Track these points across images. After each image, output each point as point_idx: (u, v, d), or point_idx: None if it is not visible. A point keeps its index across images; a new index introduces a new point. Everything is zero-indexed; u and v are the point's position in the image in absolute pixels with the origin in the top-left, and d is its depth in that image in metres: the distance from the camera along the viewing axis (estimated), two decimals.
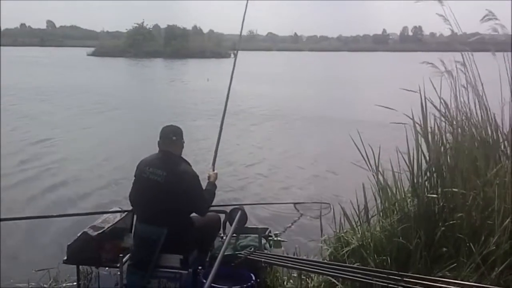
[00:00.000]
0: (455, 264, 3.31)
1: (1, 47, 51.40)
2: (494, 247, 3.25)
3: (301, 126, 12.95)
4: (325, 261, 3.75)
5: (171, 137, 3.97)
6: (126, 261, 3.97)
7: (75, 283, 4.23)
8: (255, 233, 4.48)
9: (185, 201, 3.86)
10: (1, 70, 23.66)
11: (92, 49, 52.28)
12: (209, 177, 4.33)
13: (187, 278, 3.82)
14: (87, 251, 4.07)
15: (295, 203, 6.39)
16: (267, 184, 7.74)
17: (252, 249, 4.00)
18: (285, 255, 3.91)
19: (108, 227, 4.21)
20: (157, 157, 3.96)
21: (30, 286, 4.28)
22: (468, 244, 3.34)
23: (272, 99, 17.79)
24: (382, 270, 3.33)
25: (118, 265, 3.91)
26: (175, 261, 3.86)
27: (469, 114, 3.97)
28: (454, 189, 3.53)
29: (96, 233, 4.11)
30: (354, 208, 3.97)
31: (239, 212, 4.52)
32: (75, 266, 4.14)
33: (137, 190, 4.00)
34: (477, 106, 3.96)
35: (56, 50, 52.75)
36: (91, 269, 4.41)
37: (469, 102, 3.98)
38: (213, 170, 4.45)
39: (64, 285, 4.31)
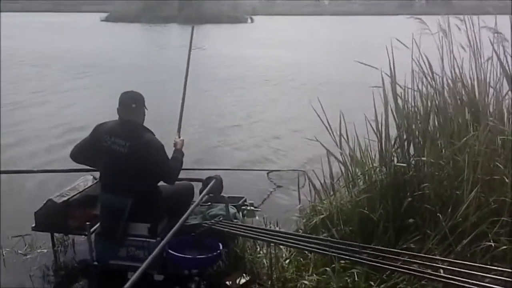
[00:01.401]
0: (420, 236, 3.26)
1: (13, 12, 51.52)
2: (461, 219, 3.17)
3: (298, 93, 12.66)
4: (291, 232, 3.71)
5: (131, 105, 3.89)
6: (95, 230, 3.99)
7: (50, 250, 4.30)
8: (229, 202, 4.49)
9: (150, 171, 3.85)
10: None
11: (106, 14, 52.07)
12: (175, 144, 4.30)
13: (155, 246, 3.83)
14: (53, 219, 4.14)
15: (269, 171, 6.33)
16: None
17: (221, 218, 3.98)
18: (250, 225, 3.88)
19: (74, 195, 4.24)
20: (118, 126, 3.90)
21: (4, 251, 4.36)
22: (436, 216, 3.28)
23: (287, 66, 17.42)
24: (344, 241, 3.29)
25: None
26: (142, 230, 3.89)
27: (461, 76, 3.85)
28: (422, 158, 3.44)
29: (61, 200, 4.15)
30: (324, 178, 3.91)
31: (213, 181, 4.52)
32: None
33: (98, 159, 3.96)
34: (473, 67, 3.83)
35: (69, 16, 52.68)
36: (67, 236, 4.46)
37: (462, 63, 3.85)
38: (179, 137, 4.42)
39: (39, 251, 4.38)
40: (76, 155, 4.07)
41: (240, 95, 12.37)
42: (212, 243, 3.79)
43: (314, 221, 3.67)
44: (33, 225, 4.19)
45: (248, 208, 4.33)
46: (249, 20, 49.72)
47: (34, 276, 4.00)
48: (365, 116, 3.75)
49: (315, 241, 3.37)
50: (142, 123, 4.00)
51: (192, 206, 3.94)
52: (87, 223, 3.90)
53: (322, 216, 3.61)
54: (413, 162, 3.58)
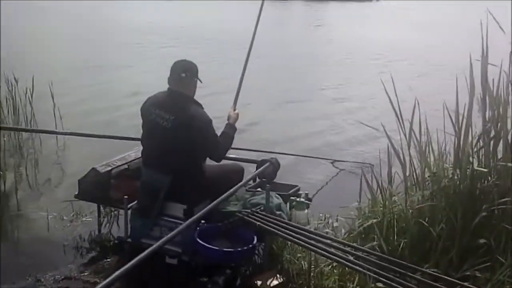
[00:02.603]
0: (489, 263, 2.56)
1: None
2: None
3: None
4: (330, 236, 3.17)
5: (180, 74, 3.57)
6: (132, 205, 3.77)
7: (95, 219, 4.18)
8: (282, 190, 4.03)
9: (194, 148, 3.54)
10: None
11: None
12: (228, 118, 3.93)
13: (187, 231, 3.51)
14: (95, 188, 3.97)
15: (333, 161, 5.83)
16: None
17: (261, 208, 3.54)
18: (288, 222, 3.39)
19: (120, 165, 4.05)
20: (164, 97, 3.61)
21: (50, 216, 4.33)
22: None
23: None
24: (389, 258, 2.69)
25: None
26: (178, 211, 3.59)
27: None
28: (509, 164, 2.70)
29: (105, 170, 3.97)
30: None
31: (267, 164, 4.11)
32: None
33: (143, 131, 3.74)
34: None
35: None
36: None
37: None
38: (234, 110, 4.03)
39: (84, 219, 4.29)
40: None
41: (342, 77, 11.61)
42: (247, 235, 3.38)
43: (362, 226, 3.09)
44: (76, 192, 4.08)
45: (298, 199, 3.82)
46: None
47: (68, 246, 3.89)
48: (444, 105, 3.05)
49: (357, 252, 2.82)
50: (192, 96, 3.68)
51: (231, 190, 3.56)
52: (125, 196, 3.69)
53: (372, 222, 3.01)
54: (498, 167, 2.84)
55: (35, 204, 4.64)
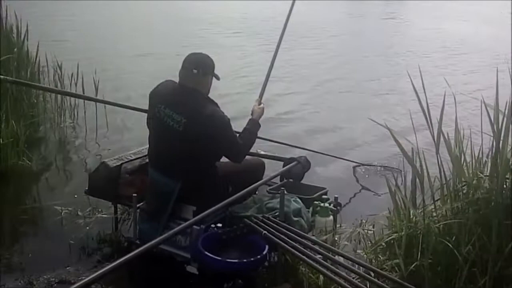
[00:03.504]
0: None
1: None
2: None
3: None
4: (346, 254, 2.80)
5: (191, 70, 3.27)
6: (141, 204, 3.56)
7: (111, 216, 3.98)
8: (307, 192, 3.69)
9: (210, 151, 3.30)
10: None
11: None
12: (252, 112, 3.65)
13: (198, 234, 3.27)
14: (104, 184, 3.78)
15: (359, 164, 5.38)
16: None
17: (276, 213, 3.23)
18: (301, 233, 3.05)
19: (132, 159, 3.84)
20: (175, 94, 3.31)
21: (63, 210, 4.19)
22: None
23: None
24: (402, 283, 2.31)
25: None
26: (188, 213, 3.37)
27: None
28: None
29: (115, 164, 3.77)
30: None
31: (294, 163, 3.80)
32: None
33: (150, 129, 3.48)
34: None
35: None
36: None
37: None
38: (259, 104, 3.71)
39: (99, 215, 4.13)
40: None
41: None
42: (258, 243, 3.08)
43: (383, 240, 2.71)
44: (86, 188, 3.91)
45: (322, 204, 3.47)
46: None
47: (74, 245, 3.71)
48: (482, 100, 2.60)
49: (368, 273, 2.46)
50: (207, 94, 3.39)
51: (242, 192, 3.28)
52: (134, 194, 3.48)
53: (393, 237, 2.63)
54: None
55: (53, 195, 4.53)
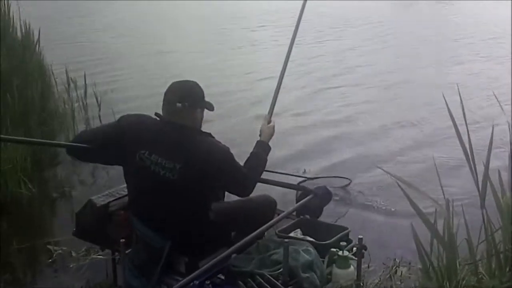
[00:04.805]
0: None
1: None
2: None
3: None
4: None
5: (175, 103, 2.70)
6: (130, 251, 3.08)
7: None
8: (324, 233, 3.09)
9: (210, 192, 2.82)
10: None
11: None
12: (260, 133, 3.12)
13: None
14: (90, 225, 3.30)
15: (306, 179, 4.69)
16: None
17: (280, 270, 2.64)
18: None
19: (119, 197, 3.32)
20: (161, 135, 2.73)
21: (56, 250, 3.77)
22: None
23: None
24: None
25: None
26: (180, 265, 2.86)
27: None
28: None
29: (102, 203, 3.27)
30: None
31: (309, 197, 3.25)
32: None
33: (129, 175, 2.90)
34: None
35: None
36: None
37: None
38: (269, 122, 3.17)
39: (94, 256, 3.68)
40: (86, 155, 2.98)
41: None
42: None
43: None
44: (74, 229, 3.44)
45: (341, 253, 2.84)
46: None
47: None
48: None
49: None
50: (199, 128, 2.85)
51: (246, 238, 2.80)
52: (122, 240, 3.00)
53: None
54: None
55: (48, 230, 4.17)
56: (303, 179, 4.67)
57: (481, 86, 8.30)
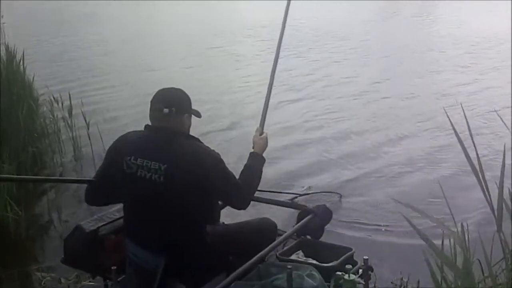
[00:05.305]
0: None
1: None
2: None
3: None
4: None
5: (161, 109, 2.63)
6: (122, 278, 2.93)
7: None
8: (327, 255, 2.96)
9: (202, 200, 2.66)
10: None
11: None
12: (253, 145, 3.00)
13: None
14: (79, 252, 3.13)
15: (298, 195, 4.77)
16: None
17: None
18: None
19: (112, 221, 3.17)
20: (145, 139, 2.68)
21: (45, 277, 3.60)
22: None
23: None
24: None
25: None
26: None
27: None
28: None
29: (91, 228, 3.12)
30: None
31: (309, 217, 3.13)
32: None
33: (120, 193, 2.79)
34: None
35: None
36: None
37: None
38: (261, 134, 3.06)
39: (85, 283, 3.52)
40: (91, 197, 2.93)
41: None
42: None
43: None
44: (63, 255, 3.28)
45: (346, 277, 2.71)
46: None
47: None
48: None
49: None
50: (187, 133, 2.76)
51: (246, 264, 2.66)
52: (113, 267, 2.84)
53: None
54: None
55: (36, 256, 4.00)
56: (295, 195, 4.67)
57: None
